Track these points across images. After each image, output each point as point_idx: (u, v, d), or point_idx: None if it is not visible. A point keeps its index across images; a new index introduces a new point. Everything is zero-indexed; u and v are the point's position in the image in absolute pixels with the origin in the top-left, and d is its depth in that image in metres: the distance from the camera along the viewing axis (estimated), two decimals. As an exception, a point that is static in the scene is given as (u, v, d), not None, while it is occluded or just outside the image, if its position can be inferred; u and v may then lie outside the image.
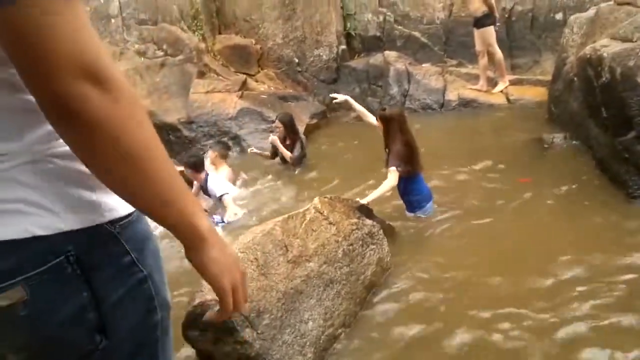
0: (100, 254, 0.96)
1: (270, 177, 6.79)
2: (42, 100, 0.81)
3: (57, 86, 0.78)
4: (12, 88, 0.86)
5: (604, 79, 4.64)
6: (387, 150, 4.89)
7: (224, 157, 6.96)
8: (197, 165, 5.73)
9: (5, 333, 0.92)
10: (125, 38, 9.62)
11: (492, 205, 4.97)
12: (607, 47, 4.76)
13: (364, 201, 4.45)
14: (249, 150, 7.37)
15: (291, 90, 9.48)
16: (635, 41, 4.56)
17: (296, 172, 6.86)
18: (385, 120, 4.90)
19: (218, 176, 6.03)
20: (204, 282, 2.86)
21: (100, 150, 0.83)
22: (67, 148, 0.90)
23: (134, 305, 1.01)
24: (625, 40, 4.72)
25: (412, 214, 4.93)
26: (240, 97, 8.62)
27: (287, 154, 6.93)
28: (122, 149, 0.83)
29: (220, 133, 8.11)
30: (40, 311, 0.91)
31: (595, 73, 4.82)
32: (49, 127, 0.88)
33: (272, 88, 9.40)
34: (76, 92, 0.78)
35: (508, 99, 8.31)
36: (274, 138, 6.96)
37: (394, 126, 4.83)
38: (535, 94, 8.11)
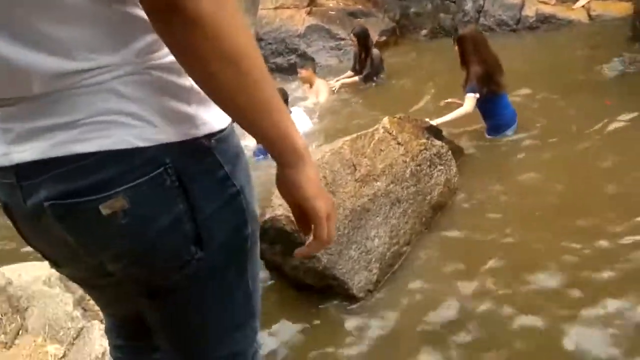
0: (196, 166, 0.97)
1: (344, 94, 6.76)
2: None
3: None
4: None
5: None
6: (465, 72, 4.73)
7: (315, 70, 6.97)
8: None
9: (107, 240, 0.97)
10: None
11: (569, 129, 4.74)
12: None
13: (434, 122, 4.39)
14: (334, 85, 7.09)
15: (360, 6, 9.19)
16: None
17: (373, 86, 6.87)
18: (459, 41, 4.72)
19: (297, 115, 5.75)
20: (274, 197, 2.95)
21: (204, 50, 0.82)
22: (166, 60, 0.91)
23: (228, 218, 1.03)
24: None
25: (490, 137, 4.81)
26: (309, 13, 8.49)
27: (354, 79, 6.98)
28: (225, 49, 0.83)
29: (289, 50, 8.07)
30: (140, 220, 0.94)
31: (692, -15, 4.44)
32: (148, 39, 0.89)
33: (341, 4, 9.16)
34: None
35: (589, 15, 7.81)
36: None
37: (468, 46, 4.65)
38: (619, 10, 7.55)
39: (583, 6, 7.92)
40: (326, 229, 1.01)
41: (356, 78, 7.02)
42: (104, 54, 0.87)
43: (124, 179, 0.91)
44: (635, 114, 4.71)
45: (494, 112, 4.74)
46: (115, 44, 0.88)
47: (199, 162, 0.98)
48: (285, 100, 5.50)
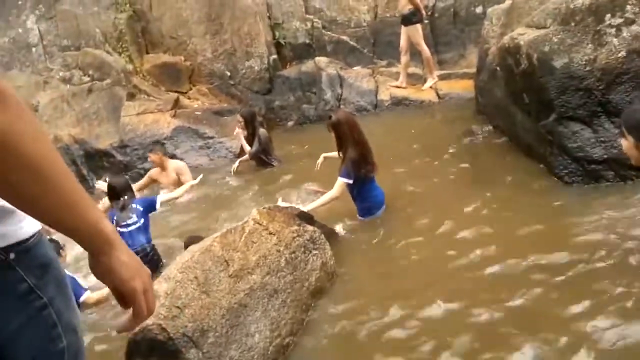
0: None
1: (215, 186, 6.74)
2: None
3: None
4: None
5: (522, 65, 4.80)
6: (340, 156, 4.83)
7: (166, 154, 7.02)
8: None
9: None
10: (49, 66, 9.34)
11: (429, 202, 5.03)
12: (523, 35, 4.93)
13: (305, 208, 4.44)
14: (233, 169, 7.24)
15: (226, 105, 9.37)
16: (548, 27, 4.74)
17: (273, 166, 7.10)
18: (334, 126, 4.80)
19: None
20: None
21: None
22: None
23: (35, 333, 0.99)
24: (539, 27, 4.89)
25: (362, 218, 4.90)
26: (174, 115, 8.48)
27: (247, 148, 7.13)
28: (23, 158, 0.84)
29: (156, 154, 7.93)
30: None
31: (514, 61, 4.98)
32: None
33: (206, 104, 9.28)
34: None
35: (438, 95, 8.49)
36: (238, 131, 7.15)
37: (344, 130, 4.74)
38: (463, 87, 8.29)
39: (431, 87, 8.62)
40: (145, 307, 1.04)
41: (246, 155, 7.16)
42: None
43: None
44: (486, 180, 5.11)
45: (365, 195, 4.86)
46: None
47: None
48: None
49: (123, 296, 1.03)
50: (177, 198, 5.91)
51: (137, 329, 2.75)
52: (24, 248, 0.98)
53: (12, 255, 0.96)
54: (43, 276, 1.01)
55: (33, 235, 1.01)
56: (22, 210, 0.92)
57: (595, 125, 4.46)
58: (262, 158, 7.12)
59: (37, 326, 0.99)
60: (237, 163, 7.22)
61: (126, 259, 1.00)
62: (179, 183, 6.69)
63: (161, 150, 6.94)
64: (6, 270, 0.95)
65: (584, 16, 4.51)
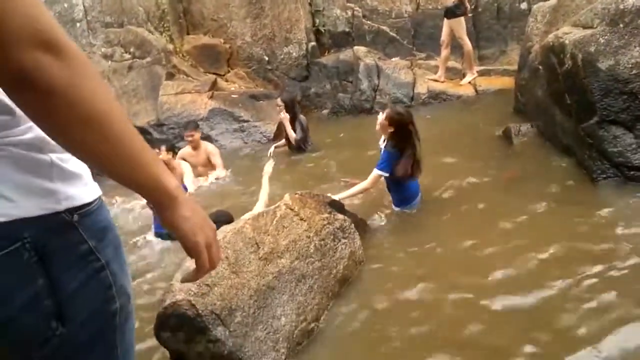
0: (57, 241, 0.98)
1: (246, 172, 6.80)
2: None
3: (14, 55, 0.80)
4: None
5: (566, 65, 4.71)
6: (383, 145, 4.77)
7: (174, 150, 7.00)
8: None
9: None
10: (91, 42, 9.51)
11: (464, 198, 4.96)
12: (568, 34, 4.84)
13: (336, 197, 4.45)
14: (269, 153, 7.25)
15: (262, 89, 9.45)
16: (595, 27, 4.64)
17: (306, 152, 7.14)
18: (391, 119, 4.64)
19: None
20: (174, 282, 2.85)
21: (59, 115, 0.85)
22: (26, 137, 0.94)
23: (92, 293, 1.03)
24: (586, 27, 4.79)
25: (397, 209, 4.87)
26: (211, 97, 8.59)
27: (292, 134, 7.11)
28: (83, 113, 0.86)
29: (192, 135, 8.05)
30: None
31: (558, 60, 4.89)
32: (4, 117, 0.91)
33: (242, 87, 9.36)
34: (33, 61, 0.81)
35: (476, 90, 8.40)
36: (284, 116, 7.12)
37: (404, 133, 4.63)
38: (502, 84, 8.19)
39: (470, 82, 8.52)
40: (207, 260, 1.06)
41: (282, 141, 7.24)
42: None
43: None
44: (521, 179, 5.03)
45: (400, 187, 4.82)
46: None
47: (60, 237, 0.99)
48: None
49: (188, 249, 1.06)
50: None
51: (167, 303, 2.82)
52: (87, 211, 1.03)
53: (75, 217, 1.00)
54: (102, 239, 1.05)
55: (95, 200, 1.06)
56: (86, 163, 0.97)
57: (637, 130, 4.36)
58: (299, 144, 7.17)
59: (95, 286, 1.04)
60: (272, 148, 7.27)
61: (189, 214, 1.03)
62: (208, 164, 6.80)
63: (168, 147, 6.82)
64: (70, 230, 1.00)
65: (633, 18, 4.40)
